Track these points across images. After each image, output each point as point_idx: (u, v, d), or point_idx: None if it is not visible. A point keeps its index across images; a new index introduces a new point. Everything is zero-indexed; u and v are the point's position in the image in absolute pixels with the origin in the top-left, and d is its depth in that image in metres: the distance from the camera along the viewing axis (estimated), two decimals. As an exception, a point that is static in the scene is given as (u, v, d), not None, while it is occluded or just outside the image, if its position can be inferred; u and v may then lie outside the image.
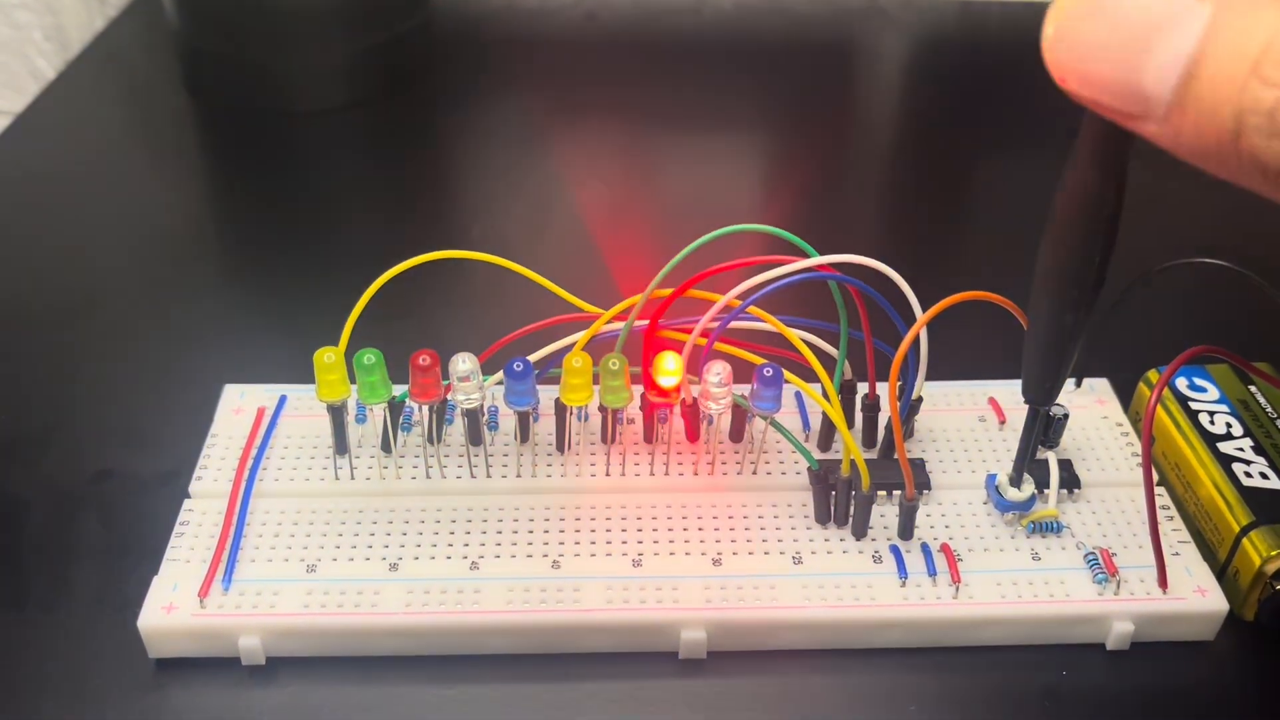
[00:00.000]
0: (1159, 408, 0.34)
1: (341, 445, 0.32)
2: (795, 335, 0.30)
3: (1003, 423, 0.35)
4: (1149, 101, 0.18)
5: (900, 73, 0.64)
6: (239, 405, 0.35)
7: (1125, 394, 0.36)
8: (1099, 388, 0.36)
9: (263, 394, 0.35)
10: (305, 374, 0.33)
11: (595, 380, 0.31)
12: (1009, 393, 0.36)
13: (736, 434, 0.34)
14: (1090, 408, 0.35)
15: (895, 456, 0.33)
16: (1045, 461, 0.32)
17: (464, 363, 0.30)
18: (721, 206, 0.50)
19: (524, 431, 0.32)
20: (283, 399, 0.35)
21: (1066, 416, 0.33)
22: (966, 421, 0.35)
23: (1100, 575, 0.30)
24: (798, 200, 0.52)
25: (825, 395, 0.30)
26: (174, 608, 0.29)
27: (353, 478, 0.32)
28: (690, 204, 0.50)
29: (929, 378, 0.32)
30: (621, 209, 0.49)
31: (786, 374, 0.30)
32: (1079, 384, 0.36)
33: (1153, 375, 0.35)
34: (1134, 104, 0.18)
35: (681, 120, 0.57)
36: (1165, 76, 0.17)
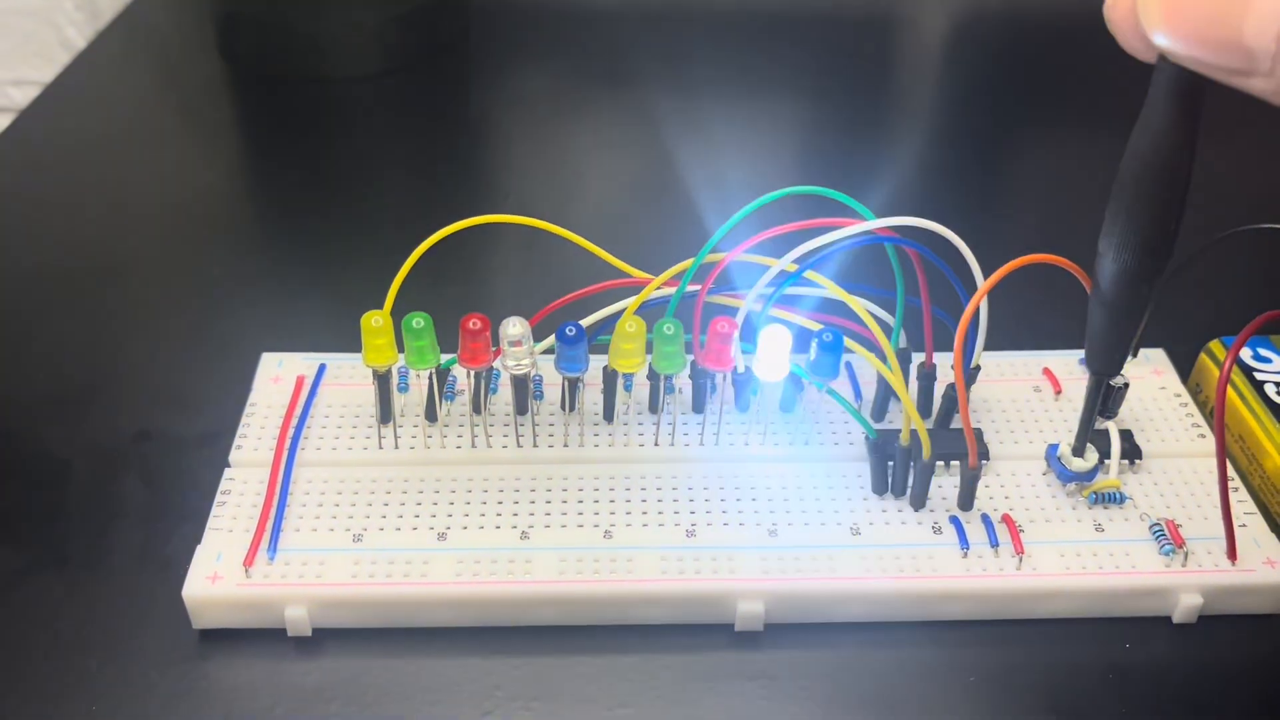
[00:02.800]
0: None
1: (386, 413, 0.32)
2: (858, 302, 0.30)
3: (1058, 393, 0.34)
4: (1254, 56, 0.17)
5: (943, 42, 0.63)
6: (277, 374, 0.34)
7: (1180, 364, 0.35)
8: (1155, 358, 0.35)
9: (301, 363, 0.35)
10: (342, 341, 0.33)
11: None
12: (1064, 363, 0.35)
13: (786, 403, 0.33)
14: (1147, 378, 0.34)
15: (953, 426, 0.32)
16: (1105, 432, 0.31)
17: (515, 326, 0.29)
18: (764, 175, 0.49)
19: (572, 399, 0.31)
20: (322, 367, 0.34)
21: (1127, 386, 0.32)
22: (1022, 392, 0.34)
23: (1167, 546, 0.29)
24: (843, 168, 0.51)
25: (885, 362, 0.29)
26: (219, 577, 0.28)
27: (396, 447, 0.32)
28: (730, 172, 0.49)
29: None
30: (663, 176, 0.49)
31: (846, 341, 0.29)
32: (1135, 354, 0.35)
33: (1215, 346, 0.34)
34: (1238, 59, 0.17)
35: (722, 89, 0.56)
36: (1267, 28, 0.17)
